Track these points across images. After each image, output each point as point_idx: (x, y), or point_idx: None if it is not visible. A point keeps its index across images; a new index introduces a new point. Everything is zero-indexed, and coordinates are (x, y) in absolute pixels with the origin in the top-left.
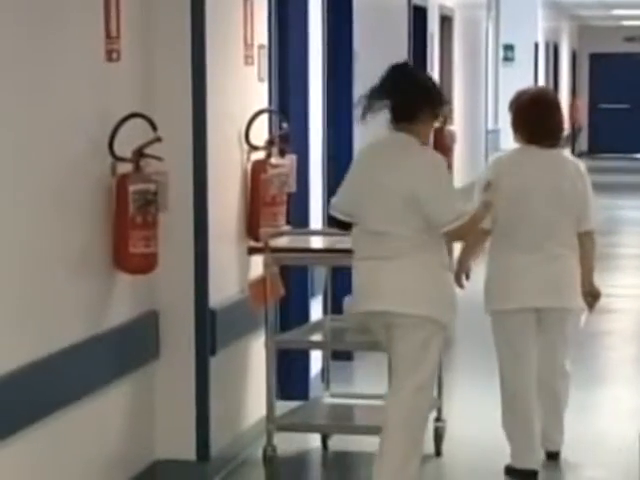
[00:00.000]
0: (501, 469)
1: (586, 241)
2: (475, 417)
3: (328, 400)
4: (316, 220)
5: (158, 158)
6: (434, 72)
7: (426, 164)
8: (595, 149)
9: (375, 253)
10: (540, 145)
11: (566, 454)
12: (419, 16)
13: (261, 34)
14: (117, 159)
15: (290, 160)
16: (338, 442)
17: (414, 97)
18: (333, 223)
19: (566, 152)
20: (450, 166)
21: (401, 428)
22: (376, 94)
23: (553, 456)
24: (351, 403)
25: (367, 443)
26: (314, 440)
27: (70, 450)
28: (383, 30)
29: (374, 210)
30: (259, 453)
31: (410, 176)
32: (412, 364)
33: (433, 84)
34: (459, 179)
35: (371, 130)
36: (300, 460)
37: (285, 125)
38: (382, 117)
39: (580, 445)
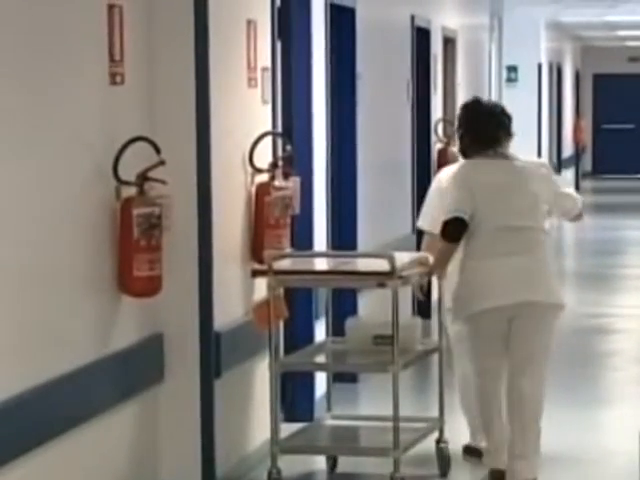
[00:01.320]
0: None
1: None
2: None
3: (332, 422)
4: (320, 242)
5: (162, 181)
6: (437, 94)
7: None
8: (599, 169)
9: (513, 248)
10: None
11: (570, 473)
12: (422, 38)
13: (264, 56)
14: (121, 183)
15: (294, 182)
16: (342, 464)
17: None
18: (449, 233)
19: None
20: None
21: (538, 408)
22: (466, 131)
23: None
24: (355, 425)
25: (371, 464)
26: (319, 462)
27: (75, 473)
28: (386, 52)
29: (509, 208)
30: (264, 476)
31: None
32: (545, 350)
33: (501, 109)
34: None
35: (371, 153)
36: None
37: (289, 147)
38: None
39: (583, 464)
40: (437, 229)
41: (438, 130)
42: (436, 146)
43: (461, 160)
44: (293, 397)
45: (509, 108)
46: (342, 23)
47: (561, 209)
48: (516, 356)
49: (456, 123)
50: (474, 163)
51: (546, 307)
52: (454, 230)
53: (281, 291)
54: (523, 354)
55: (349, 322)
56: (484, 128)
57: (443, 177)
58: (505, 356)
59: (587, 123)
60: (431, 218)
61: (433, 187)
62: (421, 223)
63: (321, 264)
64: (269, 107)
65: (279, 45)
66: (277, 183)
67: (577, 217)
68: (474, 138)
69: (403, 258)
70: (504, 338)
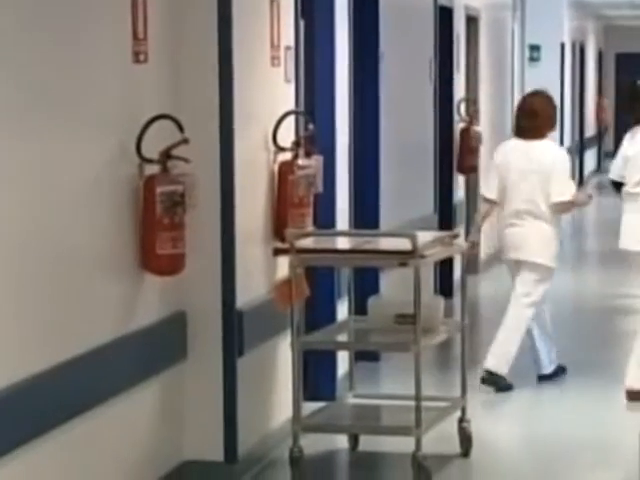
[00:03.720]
0: (529, 469)
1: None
2: (501, 417)
3: (353, 401)
4: (342, 221)
5: (185, 160)
6: (460, 73)
7: None
8: None
9: None
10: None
11: (591, 453)
12: (445, 17)
13: (287, 35)
14: (144, 161)
15: (317, 161)
16: (364, 443)
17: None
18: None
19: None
20: (476, 167)
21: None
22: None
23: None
24: (376, 403)
25: (393, 443)
26: (340, 441)
27: (99, 451)
28: (409, 31)
29: None
30: (286, 454)
31: None
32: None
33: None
34: (484, 179)
35: (393, 133)
36: (326, 461)
37: (311, 126)
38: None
39: (606, 446)
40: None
41: (461, 109)
42: (458, 125)
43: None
44: (315, 376)
45: (531, 87)
46: (365, 2)
47: None
48: None
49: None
50: None
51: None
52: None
53: (302, 270)
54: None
55: (371, 301)
56: None
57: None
58: None
59: (609, 103)
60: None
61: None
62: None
63: (343, 243)
64: (292, 86)
65: (302, 24)
66: (300, 162)
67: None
68: None
69: (425, 237)
70: None
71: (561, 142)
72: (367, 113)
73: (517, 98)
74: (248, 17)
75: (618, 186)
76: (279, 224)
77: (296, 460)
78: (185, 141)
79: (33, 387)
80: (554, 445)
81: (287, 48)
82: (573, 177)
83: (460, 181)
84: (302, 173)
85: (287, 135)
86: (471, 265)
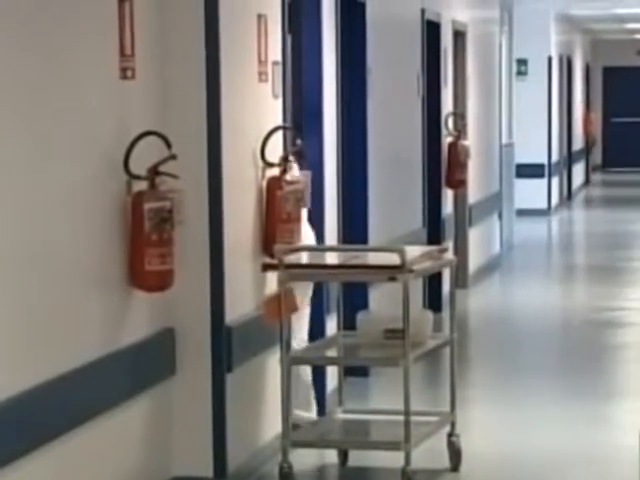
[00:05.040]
0: None
1: None
2: (491, 432)
3: (343, 416)
4: (331, 236)
5: (173, 176)
6: (448, 87)
7: None
8: (609, 163)
9: None
10: None
11: (581, 469)
12: (432, 31)
13: (275, 51)
14: (132, 177)
15: (305, 177)
16: (353, 458)
17: None
18: None
19: None
20: (464, 181)
21: None
22: None
23: None
24: (366, 419)
25: (382, 458)
26: (330, 456)
27: (87, 468)
28: (397, 46)
29: None
30: (275, 470)
31: None
32: None
33: None
34: (473, 194)
35: (381, 147)
36: (316, 476)
37: (299, 141)
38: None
39: (591, 458)
40: None
41: (448, 124)
42: (446, 140)
43: None
44: None
45: (519, 101)
46: (352, 17)
47: None
48: None
49: None
50: None
51: None
52: None
53: (291, 285)
54: None
55: (360, 316)
56: None
57: None
58: None
59: (597, 116)
60: None
61: None
62: None
63: (332, 258)
64: (280, 101)
65: (290, 39)
66: (289, 177)
67: None
68: None
69: (414, 252)
70: None
71: (549, 156)
72: (355, 128)
73: (505, 112)
74: (235, 33)
75: None
76: (267, 240)
77: (285, 475)
78: (173, 157)
79: (20, 405)
80: (544, 459)
81: (275, 63)
82: (562, 190)
83: (449, 195)
84: (290, 189)
85: (275, 151)
86: (460, 279)
